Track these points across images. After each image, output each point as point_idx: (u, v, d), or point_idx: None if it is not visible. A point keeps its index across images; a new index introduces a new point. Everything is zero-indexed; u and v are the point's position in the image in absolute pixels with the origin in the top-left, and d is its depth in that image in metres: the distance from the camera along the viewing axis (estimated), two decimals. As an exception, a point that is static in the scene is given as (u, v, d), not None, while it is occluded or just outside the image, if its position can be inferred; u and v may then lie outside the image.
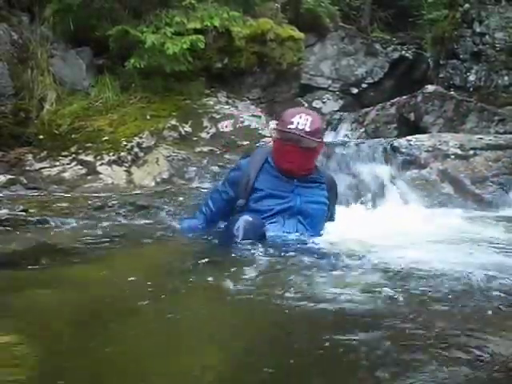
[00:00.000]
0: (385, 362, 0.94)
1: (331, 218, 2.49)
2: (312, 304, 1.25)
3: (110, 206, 2.83)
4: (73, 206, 2.68)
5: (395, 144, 3.97)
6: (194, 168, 4.14)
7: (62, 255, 1.82)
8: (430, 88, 5.73)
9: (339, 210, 2.58)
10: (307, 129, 2.22)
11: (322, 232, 2.34)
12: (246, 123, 4.65)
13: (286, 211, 2.25)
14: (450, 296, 1.34)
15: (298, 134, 2.21)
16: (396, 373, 0.89)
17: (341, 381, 0.90)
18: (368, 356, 0.96)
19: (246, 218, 2.06)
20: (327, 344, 1.01)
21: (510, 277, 1.51)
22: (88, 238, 2.14)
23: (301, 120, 2.22)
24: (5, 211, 2.38)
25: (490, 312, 1.23)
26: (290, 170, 2.30)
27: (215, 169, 4.11)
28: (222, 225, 2.32)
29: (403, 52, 8.66)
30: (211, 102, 4.90)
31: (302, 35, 5.82)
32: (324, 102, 8.09)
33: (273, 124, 2.35)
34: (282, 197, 2.27)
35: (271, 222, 2.21)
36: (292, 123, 2.22)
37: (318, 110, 7.91)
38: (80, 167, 4.07)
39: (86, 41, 4.85)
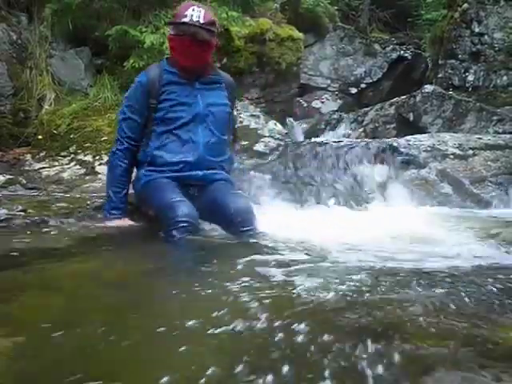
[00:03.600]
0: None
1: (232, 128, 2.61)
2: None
3: (109, 206, 2.83)
4: (72, 205, 2.67)
5: (394, 144, 3.98)
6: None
7: (61, 255, 1.82)
8: (429, 88, 5.74)
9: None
10: (201, 20, 2.29)
11: (226, 137, 2.46)
12: (245, 123, 4.65)
13: (195, 119, 2.36)
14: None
15: (193, 25, 2.28)
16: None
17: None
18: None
19: (183, 212, 2.10)
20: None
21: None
22: (87, 237, 2.14)
23: (194, 12, 2.29)
24: (4, 211, 2.38)
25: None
26: (189, 67, 2.37)
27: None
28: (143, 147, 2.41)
29: (402, 52, 8.67)
30: (210, 102, 4.90)
31: (301, 35, 5.83)
32: (323, 102, 8.10)
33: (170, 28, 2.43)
34: (188, 104, 2.36)
35: (181, 131, 2.34)
36: (186, 16, 2.29)
37: (317, 110, 7.94)
38: (79, 167, 4.08)
39: (84, 41, 4.85)
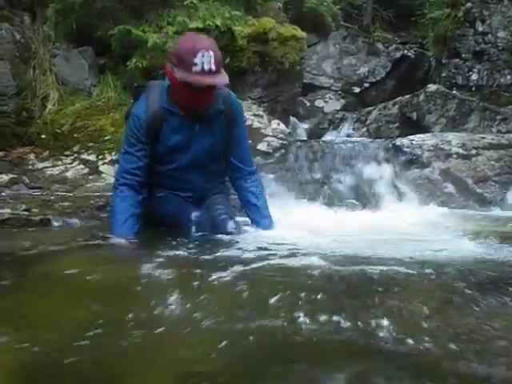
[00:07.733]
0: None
1: (245, 160, 2.46)
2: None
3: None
4: (75, 205, 2.68)
5: (397, 143, 3.98)
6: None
7: (64, 255, 1.82)
8: (432, 87, 5.73)
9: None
10: (213, 67, 2.07)
11: (219, 166, 2.42)
12: (248, 122, 4.64)
13: (190, 163, 2.30)
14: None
15: (205, 77, 2.06)
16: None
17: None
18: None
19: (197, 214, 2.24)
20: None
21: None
22: (90, 237, 2.14)
23: (204, 58, 2.04)
24: (7, 210, 2.39)
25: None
26: (194, 109, 2.22)
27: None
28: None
29: (405, 51, 8.65)
30: (213, 102, 4.89)
31: (304, 34, 5.81)
32: (326, 102, 8.09)
33: (172, 66, 2.14)
34: (186, 148, 2.27)
35: (178, 173, 2.31)
36: (196, 64, 2.04)
37: (320, 109, 7.93)
38: (82, 167, 4.08)
39: (88, 40, 4.85)
